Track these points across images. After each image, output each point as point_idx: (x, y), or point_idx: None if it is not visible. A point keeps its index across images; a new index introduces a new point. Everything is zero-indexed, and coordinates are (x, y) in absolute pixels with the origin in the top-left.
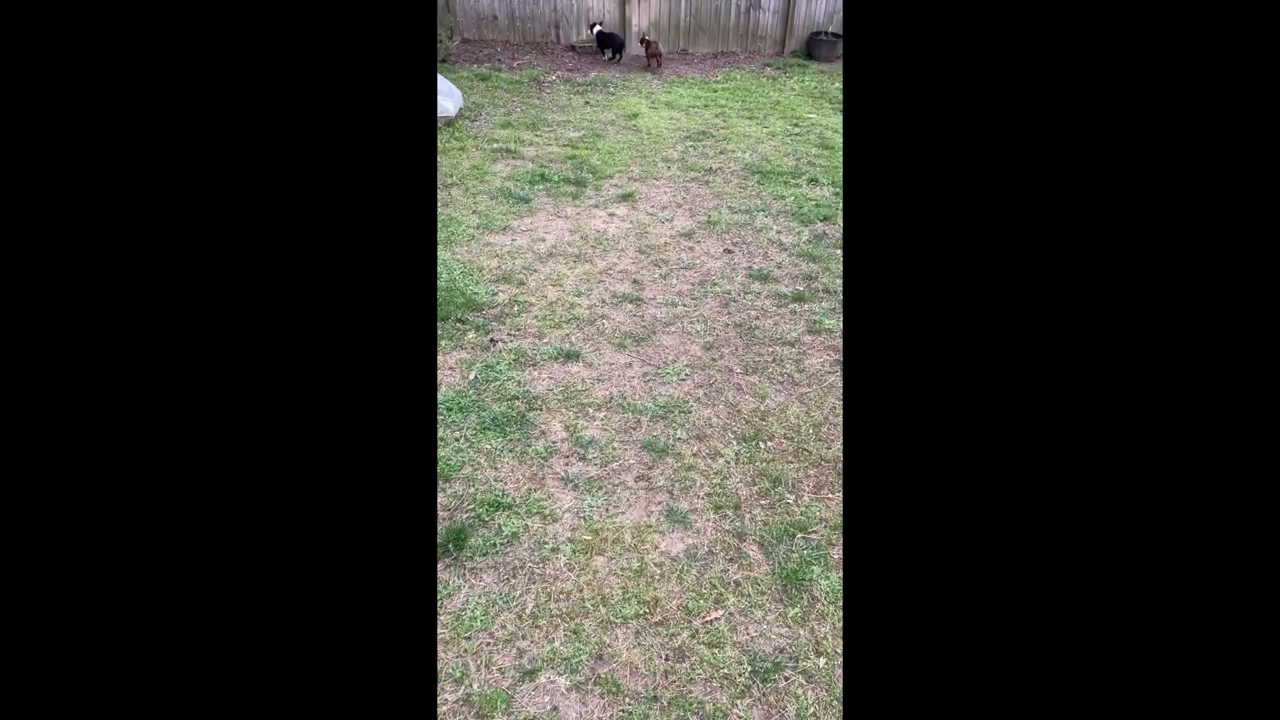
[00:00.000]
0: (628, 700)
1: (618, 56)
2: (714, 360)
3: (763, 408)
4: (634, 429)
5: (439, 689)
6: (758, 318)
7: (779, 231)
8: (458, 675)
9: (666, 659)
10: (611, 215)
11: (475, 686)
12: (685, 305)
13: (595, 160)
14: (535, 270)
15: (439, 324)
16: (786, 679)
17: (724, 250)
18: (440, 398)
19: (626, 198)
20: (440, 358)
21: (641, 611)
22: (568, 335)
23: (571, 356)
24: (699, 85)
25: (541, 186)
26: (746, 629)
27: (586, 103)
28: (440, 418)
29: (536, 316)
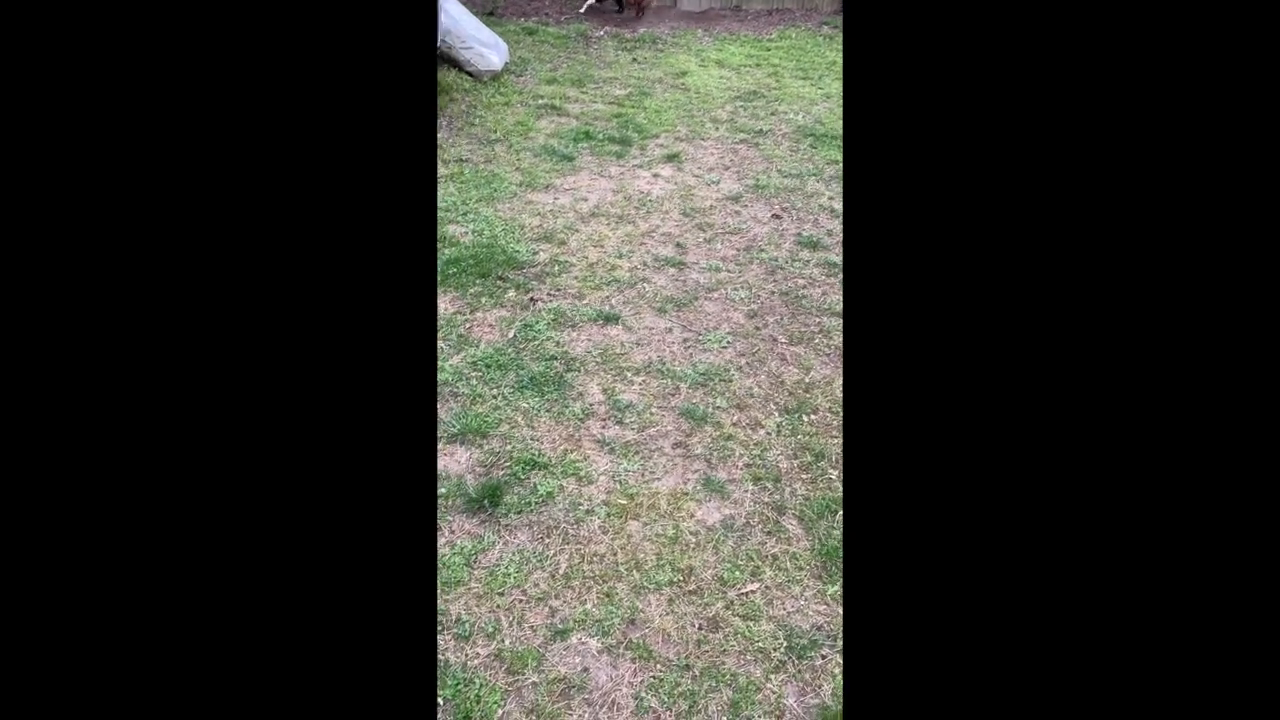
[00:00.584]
0: (659, 667)
1: (619, 6)
2: (758, 329)
3: (807, 380)
4: (673, 395)
5: (471, 642)
6: (805, 286)
7: (831, 197)
8: (490, 630)
9: (700, 628)
10: (656, 176)
11: (507, 643)
12: (729, 271)
13: (641, 119)
14: (577, 230)
15: (480, 280)
16: (824, 657)
17: (772, 215)
18: (479, 355)
19: (672, 158)
20: (480, 315)
21: (675, 579)
22: (608, 297)
23: (611, 319)
24: (751, 43)
25: (586, 145)
26: (783, 603)
27: (634, 59)
28: (479, 375)
29: (577, 277)
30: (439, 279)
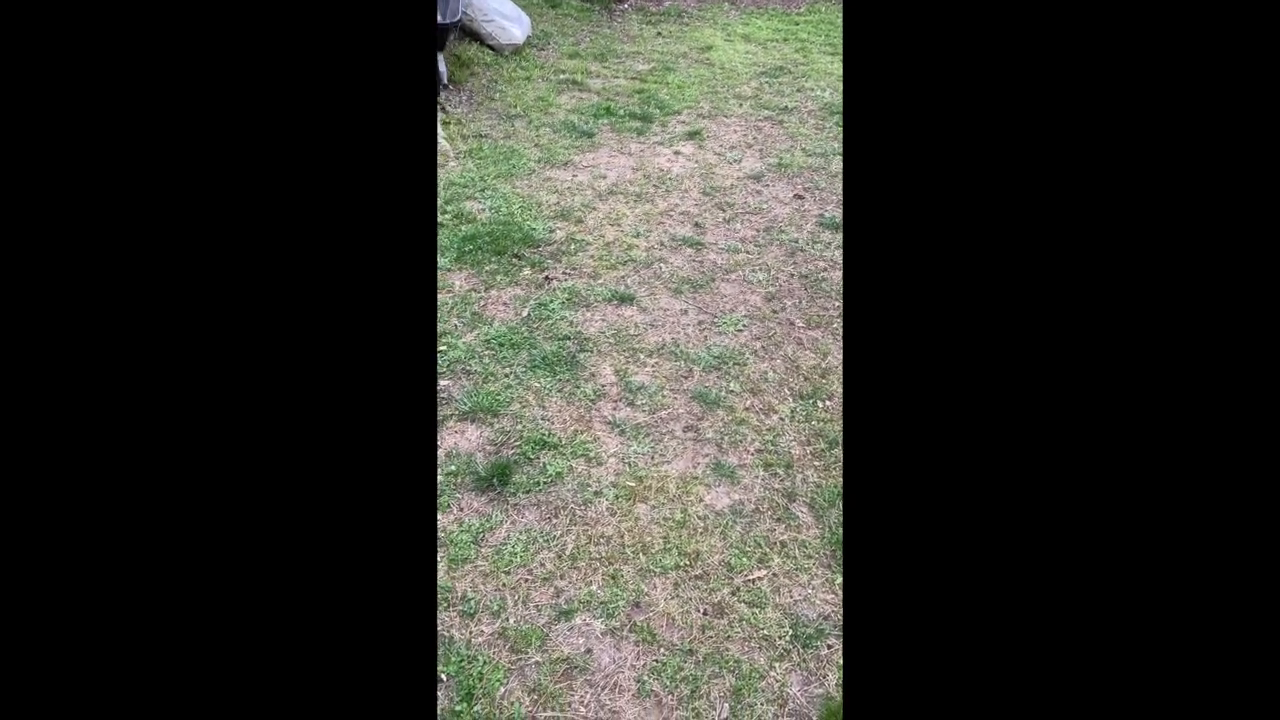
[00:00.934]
0: (663, 650)
1: None
2: (775, 312)
3: (824, 365)
4: (685, 378)
5: (476, 620)
6: (826, 269)
7: None
8: (495, 609)
9: (705, 613)
10: (677, 153)
11: (512, 621)
12: (748, 252)
13: (664, 95)
14: (594, 208)
15: (496, 258)
16: (829, 647)
17: (794, 195)
18: (492, 333)
19: (694, 135)
20: (495, 293)
21: (682, 563)
22: (623, 277)
23: (626, 299)
24: (780, 17)
25: (606, 121)
26: (790, 591)
27: (658, 33)
28: (491, 353)
29: (593, 256)
30: (455, 256)
